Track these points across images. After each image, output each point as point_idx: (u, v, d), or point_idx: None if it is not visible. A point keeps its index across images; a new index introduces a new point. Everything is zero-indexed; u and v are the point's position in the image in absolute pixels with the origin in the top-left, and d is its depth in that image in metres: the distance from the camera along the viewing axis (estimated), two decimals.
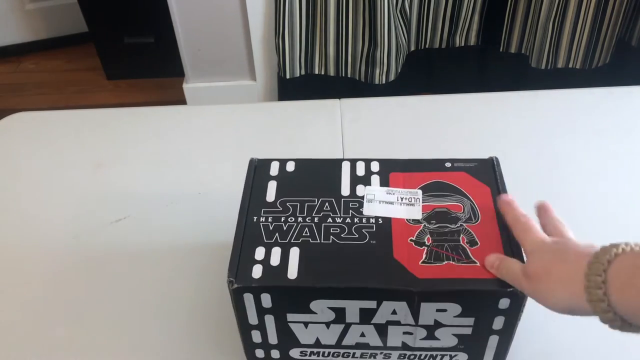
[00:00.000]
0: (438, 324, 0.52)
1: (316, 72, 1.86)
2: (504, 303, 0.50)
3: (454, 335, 0.53)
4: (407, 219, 0.55)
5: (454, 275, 0.50)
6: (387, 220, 0.55)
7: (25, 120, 0.97)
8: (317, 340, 0.55)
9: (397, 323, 0.52)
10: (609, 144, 0.85)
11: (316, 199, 0.58)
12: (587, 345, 0.61)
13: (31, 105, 2.18)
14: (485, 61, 1.91)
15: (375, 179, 0.59)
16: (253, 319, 0.53)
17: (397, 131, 0.89)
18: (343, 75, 1.85)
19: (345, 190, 0.59)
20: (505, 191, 0.57)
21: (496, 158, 0.61)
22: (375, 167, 0.61)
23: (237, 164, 0.84)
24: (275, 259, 0.52)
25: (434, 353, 0.56)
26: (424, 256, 0.52)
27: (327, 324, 0.53)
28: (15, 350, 0.63)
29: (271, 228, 0.55)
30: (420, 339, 0.54)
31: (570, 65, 1.81)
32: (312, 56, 1.82)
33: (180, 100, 2.04)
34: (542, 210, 0.53)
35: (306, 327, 0.54)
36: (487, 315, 0.51)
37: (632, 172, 0.80)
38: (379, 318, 0.52)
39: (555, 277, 0.44)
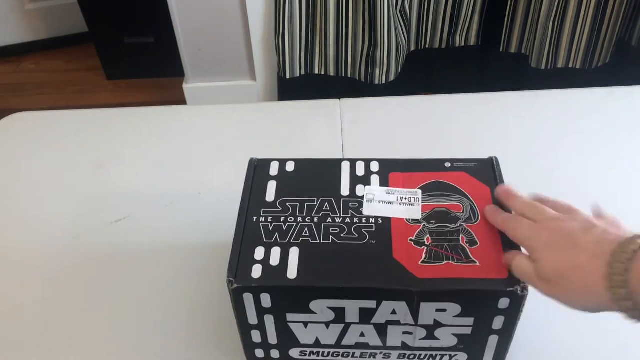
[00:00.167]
0: (438, 324, 0.52)
1: (316, 72, 1.86)
2: (503, 303, 0.50)
3: (454, 335, 0.53)
4: (406, 219, 0.55)
5: (453, 275, 0.50)
6: (387, 220, 0.55)
7: (25, 120, 0.97)
8: (317, 340, 0.55)
9: (397, 323, 0.52)
10: (609, 144, 0.85)
11: (316, 199, 0.58)
12: (588, 345, 0.61)
13: (31, 105, 2.18)
14: (485, 61, 1.91)
15: (375, 179, 0.59)
16: (253, 318, 0.53)
17: (397, 131, 0.89)
18: (343, 75, 1.85)
19: (344, 190, 0.59)
20: None
21: (496, 158, 0.61)
22: (375, 167, 0.61)
23: (237, 164, 0.84)
24: (274, 259, 0.52)
25: (434, 353, 0.56)
26: (423, 256, 0.52)
27: (327, 324, 0.53)
28: (15, 350, 0.63)
29: (271, 228, 0.55)
30: (420, 339, 0.54)
31: (570, 65, 1.81)
32: (312, 56, 1.82)
33: (180, 100, 2.04)
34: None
35: (306, 327, 0.54)
36: (486, 315, 0.51)
37: (633, 172, 0.80)
38: (378, 318, 0.52)
39: (573, 281, 0.44)
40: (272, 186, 0.60)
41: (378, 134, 0.89)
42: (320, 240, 0.54)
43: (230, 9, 1.80)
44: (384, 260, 0.52)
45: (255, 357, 0.58)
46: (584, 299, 0.44)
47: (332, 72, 1.85)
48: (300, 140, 0.88)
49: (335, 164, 0.62)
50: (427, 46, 1.89)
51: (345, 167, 0.61)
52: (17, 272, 0.71)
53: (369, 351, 0.56)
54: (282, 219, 0.56)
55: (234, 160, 0.85)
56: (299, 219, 0.56)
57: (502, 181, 0.59)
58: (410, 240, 0.53)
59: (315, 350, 0.57)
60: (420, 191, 0.58)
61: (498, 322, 0.52)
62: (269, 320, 0.53)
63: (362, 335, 0.54)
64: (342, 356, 0.57)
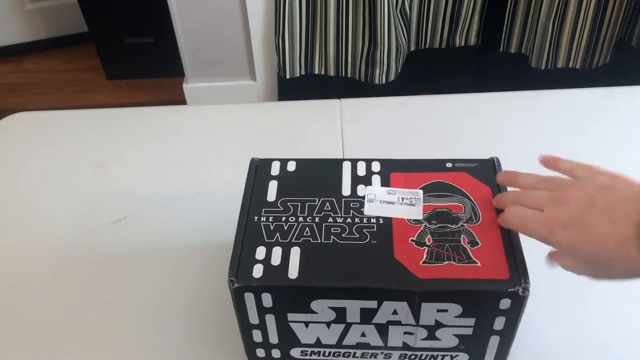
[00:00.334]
0: (439, 324, 0.52)
1: (316, 72, 1.86)
2: (504, 303, 0.50)
3: (455, 335, 0.53)
4: (407, 219, 0.55)
5: (454, 275, 0.50)
6: (388, 220, 0.55)
7: (25, 120, 0.97)
8: (318, 339, 0.55)
9: (398, 323, 0.52)
10: (609, 144, 0.85)
11: (317, 199, 0.58)
12: (588, 346, 0.61)
13: (31, 105, 2.18)
14: (485, 61, 1.91)
15: (376, 179, 0.59)
16: (254, 318, 0.53)
17: (397, 131, 0.89)
18: (343, 75, 1.86)
19: (346, 190, 0.59)
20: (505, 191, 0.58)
21: (497, 158, 0.61)
22: (376, 167, 0.61)
23: (237, 164, 0.84)
24: (276, 259, 0.52)
25: (435, 353, 0.56)
26: (424, 256, 0.52)
27: (328, 324, 0.53)
28: (15, 350, 0.63)
29: (272, 228, 0.55)
30: (421, 339, 0.54)
31: (570, 65, 1.81)
32: (312, 56, 1.82)
33: (180, 100, 2.04)
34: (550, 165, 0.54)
35: (307, 326, 0.54)
36: (487, 315, 0.51)
37: (633, 172, 0.80)
38: (379, 318, 0.52)
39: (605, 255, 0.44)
40: (273, 186, 0.60)
41: (378, 134, 0.89)
42: (321, 240, 0.54)
43: (230, 9, 1.80)
44: (385, 260, 0.52)
45: (256, 357, 0.58)
46: (625, 274, 0.44)
47: (332, 72, 1.85)
48: (300, 140, 0.88)
49: (337, 163, 0.62)
50: (427, 46, 1.89)
51: (347, 167, 0.61)
52: (17, 271, 0.71)
53: (370, 351, 0.56)
54: (283, 218, 0.56)
55: (234, 160, 0.85)
56: (300, 218, 0.56)
57: None
58: (412, 240, 0.53)
59: (316, 350, 0.57)
60: (421, 191, 0.58)
61: (499, 323, 0.52)
62: (270, 319, 0.53)
63: (363, 335, 0.54)
64: (343, 356, 0.57)
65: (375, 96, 1.63)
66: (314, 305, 0.51)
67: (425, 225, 0.55)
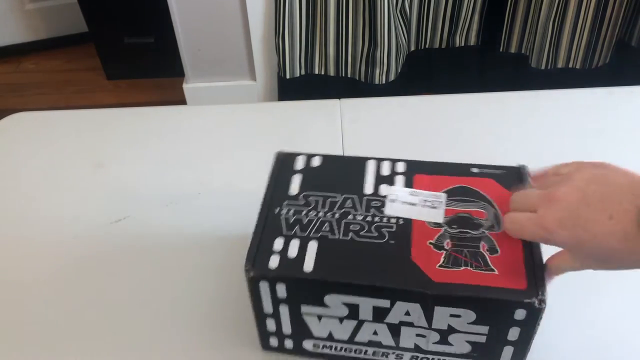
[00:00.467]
0: (452, 329, 0.52)
1: (316, 72, 1.86)
2: (520, 314, 0.49)
3: (468, 342, 0.53)
4: (428, 222, 0.55)
5: (470, 281, 0.50)
6: (408, 222, 0.55)
7: (25, 120, 0.97)
8: (330, 334, 0.55)
9: (411, 325, 0.52)
10: (609, 144, 0.85)
11: (339, 195, 0.58)
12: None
13: (31, 105, 2.18)
14: (485, 61, 1.91)
15: (399, 180, 0.59)
16: (268, 307, 0.54)
17: (397, 131, 0.89)
18: (343, 75, 1.86)
19: (368, 188, 0.59)
20: None
21: (524, 166, 0.60)
22: (401, 167, 0.61)
23: (237, 164, 0.84)
24: (293, 251, 0.52)
25: (447, 358, 0.55)
26: (441, 260, 0.51)
27: (341, 319, 0.53)
28: (15, 350, 0.63)
29: (292, 221, 0.56)
30: (433, 343, 0.54)
31: (570, 65, 1.81)
32: (312, 56, 1.82)
33: (180, 100, 2.05)
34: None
35: (319, 320, 0.54)
36: (502, 324, 0.51)
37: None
38: (392, 318, 0.52)
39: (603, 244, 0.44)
40: (296, 180, 0.60)
41: (378, 134, 0.89)
42: (339, 236, 0.54)
43: (230, 9, 1.80)
44: (401, 261, 0.51)
45: (269, 346, 0.59)
46: (628, 266, 0.44)
47: (332, 72, 1.86)
48: (300, 140, 0.88)
49: (361, 162, 0.62)
50: (427, 46, 1.89)
51: (371, 165, 0.61)
52: (17, 271, 0.71)
53: (382, 350, 0.56)
54: (304, 212, 0.56)
55: (234, 160, 0.85)
56: (321, 213, 0.56)
57: None
58: (430, 243, 0.53)
59: (328, 344, 0.57)
60: (444, 195, 0.57)
61: (514, 333, 0.51)
62: (284, 310, 0.54)
63: (375, 333, 0.54)
64: (355, 352, 0.57)
65: (375, 96, 1.63)
66: (327, 299, 0.51)
67: (446, 229, 0.54)
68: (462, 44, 1.87)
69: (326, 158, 0.62)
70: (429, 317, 0.51)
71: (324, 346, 0.57)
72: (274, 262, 0.52)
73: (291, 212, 0.56)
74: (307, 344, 0.57)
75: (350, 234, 0.54)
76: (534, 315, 0.49)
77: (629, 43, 1.81)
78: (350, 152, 0.84)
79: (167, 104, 2.05)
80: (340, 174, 0.60)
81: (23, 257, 0.73)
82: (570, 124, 0.89)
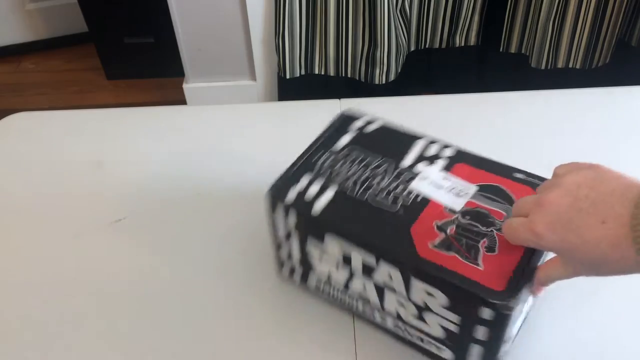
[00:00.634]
0: (427, 308, 0.53)
1: (316, 72, 1.86)
2: (487, 313, 0.49)
3: (441, 327, 0.54)
4: (445, 206, 0.56)
5: (451, 267, 0.50)
6: (426, 201, 0.56)
7: (25, 120, 0.97)
8: (329, 275, 0.60)
9: (393, 290, 0.54)
10: (608, 144, 0.85)
11: (377, 160, 0.61)
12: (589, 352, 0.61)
13: (31, 105, 2.18)
14: (485, 61, 1.91)
15: (440, 163, 0.60)
16: (282, 232, 0.60)
17: None
18: (343, 75, 1.86)
19: (408, 161, 0.61)
20: None
21: None
22: (447, 152, 0.62)
23: (237, 164, 0.84)
24: (312, 191, 0.58)
25: (422, 336, 0.57)
26: (437, 241, 0.53)
27: (337, 265, 0.58)
28: (15, 350, 0.63)
29: (324, 167, 0.60)
30: (411, 316, 0.55)
31: (570, 65, 1.81)
32: (312, 56, 1.82)
33: (180, 100, 2.05)
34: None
35: (320, 259, 0.59)
36: (470, 319, 0.51)
37: (633, 172, 0.80)
38: (377, 277, 0.55)
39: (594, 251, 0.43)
40: (347, 137, 0.64)
41: None
42: (356, 194, 0.58)
43: (230, 9, 1.81)
44: (399, 229, 0.54)
45: (282, 273, 0.65)
46: (618, 272, 0.43)
47: (332, 72, 1.86)
48: (300, 140, 0.88)
49: (414, 137, 0.64)
50: (427, 46, 1.89)
51: (421, 143, 0.63)
52: (17, 272, 0.71)
53: (369, 307, 0.59)
54: (339, 164, 0.61)
55: (234, 160, 0.85)
56: (352, 171, 0.60)
57: None
58: (435, 223, 0.54)
59: (327, 287, 0.62)
60: (475, 188, 0.57)
61: (481, 332, 0.51)
62: (294, 238, 0.59)
63: (364, 289, 0.57)
64: (348, 304, 0.61)
65: (375, 96, 1.63)
66: (327, 239, 0.56)
67: (458, 217, 0.55)
68: (462, 44, 1.87)
69: (384, 126, 0.66)
70: (407, 287, 0.53)
71: (324, 286, 0.62)
72: (292, 194, 0.58)
73: (328, 161, 0.61)
74: (312, 280, 0.63)
75: (367, 196, 0.57)
76: (500, 319, 0.49)
77: (629, 43, 1.81)
78: None
79: (167, 104, 2.05)
80: (389, 141, 0.64)
81: (23, 257, 0.73)
82: (570, 123, 0.89)
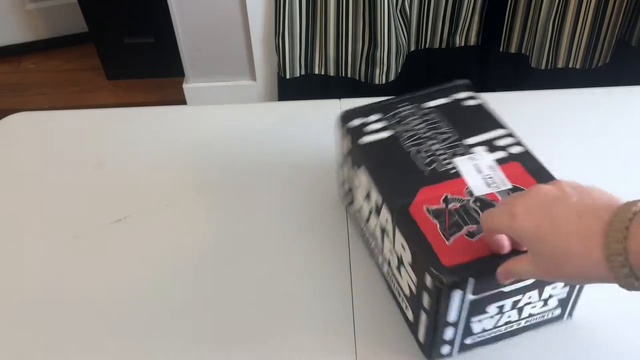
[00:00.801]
0: (401, 261, 0.56)
1: (316, 72, 1.86)
2: (428, 281, 0.51)
3: (407, 284, 0.56)
4: (468, 187, 0.57)
5: (424, 230, 0.53)
6: (456, 175, 0.58)
7: (25, 120, 0.97)
8: (361, 206, 0.65)
9: (387, 235, 0.58)
10: (608, 144, 0.85)
11: (449, 128, 0.64)
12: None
13: (31, 105, 2.18)
14: (485, 61, 1.91)
15: (499, 154, 0.61)
16: (341, 153, 0.68)
17: None
18: (343, 75, 1.86)
19: (472, 140, 0.62)
20: None
21: None
22: (514, 149, 0.62)
23: (237, 164, 0.84)
24: (373, 127, 0.65)
25: (398, 291, 0.59)
26: (432, 208, 0.55)
27: (364, 198, 0.63)
28: (14, 350, 0.63)
29: (399, 114, 0.66)
30: (394, 267, 0.58)
31: (570, 65, 1.81)
32: (312, 56, 1.82)
33: (180, 100, 2.05)
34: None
35: (357, 188, 0.65)
36: (421, 284, 0.53)
37: (632, 172, 0.80)
38: (381, 219, 0.59)
39: (566, 264, 0.42)
40: (439, 101, 0.68)
41: None
42: (405, 144, 0.62)
43: (230, 9, 1.80)
44: (412, 185, 0.57)
45: (340, 195, 0.72)
46: (583, 280, 0.44)
47: (332, 72, 1.86)
48: (300, 140, 0.88)
49: (497, 125, 0.65)
50: (427, 46, 1.89)
51: (498, 132, 0.64)
52: (17, 271, 0.71)
53: (377, 249, 0.64)
54: (412, 117, 0.66)
55: (234, 160, 0.85)
56: (419, 127, 0.64)
57: None
58: (446, 194, 0.56)
59: (359, 217, 0.67)
60: (509, 186, 0.58)
61: (426, 301, 0.53)
62: (347, 162, 0.66)
63: (374, 227, 0.62)
64: (367, 236, 0.67)
65: (375, 96, 1.63)
66: (360, 170, 0.62)
67: (469, 200, 0.56)
68: (462, 44, 1.87)
69: (481, 105, 0.68)
70: (393, 236, 0.57)
71: (357, 217, 0.68)
72: (357, 122, 0.66)
73: (406, 111, 0.66)
74: (353, 207, 0.69)
75: (412, 150, 0.61)
76: (438, 292, 0.50)
77: (629, 43, 1.81)
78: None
79: (167, 104, 2.05)
80: (473, 119, 0.65)
81: (23, 257, 0.73)
82: (570, 123, 0.89)
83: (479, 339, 0.57)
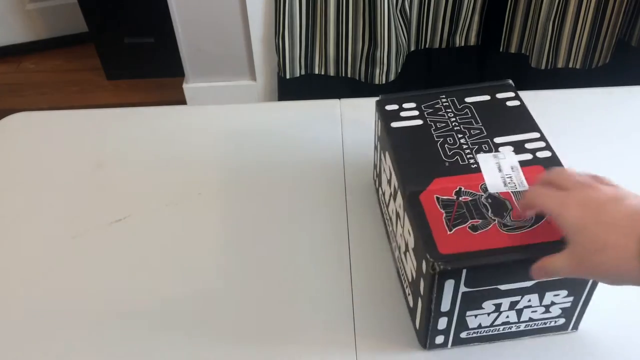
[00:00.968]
0: (407, 247, 0.57)
1: (316, 72, 1.86)
2: (425, 267, 0.51)
3: (411, 270, 0.57)
4: (484, 183, 0.57)
5: (429, 218, 0.54)
6: (475, 170, 0.59)
7: (25, 120, 0.97)
8: (385, 190, 0.67)
9: (399, 218, 0.60)
10: (608, 144, 0.85)
11: (481, 125, 0.64)
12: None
13: (31, 105, 2.18)
14: (485, 61, 1.91)
15: (526, 156, 0.61)
16: (376, 136, 0.70)
17: None
18: (343, 75, 1.85)
19: (502, 140, 0.63)
20: None
21: None
22: (541, 154, 0.62)
23: (237, 164, 0.84)
24: (407, 114, 0.66)
25: (404, 276, 0.61)
26: (442, 197, 0.56)
27: (387, 181, 0.65)
28: (14, 350, 0.63)
29: (437, 105, 0.67)
30: (402, 252, 0.60)
31: (570, 65, 1.81)
32: (312, 56, 1.82)
33: (180, 100, 2.04)
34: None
35: (383, 171, 0.67)
36: (420, 270, 0.53)
37: (632, 172, 0.80)
38: (397, 203, 0.61)
39: (603, 260, 0.44)
40: (478, 98, 0.68)
41: None
42: (434, 134, 0.64)
43: (230, 9, 1.80)
44: (428, 174, 0.59)
45: (373, 179, 0.73)
46: (615, 275, 0.44)
47: (332, 72, 1.85)
48: (300, 140, 0.88)
49: (532, 128, 0.65)
50: (427, 46, 1.89)
51: (530, 135, 0.64)
52: (16, 272, 0.71)
53: (393, 233, 0.65)
54: (448, 110, 0.67)
55: (234, 160, 0.85)
56: (452, 119, 0.65)
57: None
58: (460, 187, 0.57)
59: (382, 199, 0.70)
60: (526, 188, 0.58)
61: (422, 287, 0.53)
62: (379, 145, 0.69)
63: (392, 212, 0.64)
64: (386, 219, 0.69)
65: (375, 96, 1.63)
66: (386, 154, 0.64)
67: (482, 195, 0.56)
68: (462, 44, 1.87)
69: (520, 107, 0.68)
70: (403, 221, 0.58)
71: (381, 199, 0.70)
72: (392, 107, 0.67)
73: (444, 104, 0.67)
74: (380, 189, 0.70)
75: (440, 141, 0.63)
76: (432, 278, 0.51)
77: (629, 43, 1.81)
78: (351, 152, 0.84)
79: (167, 104, 2.05)
80: (508, 119, 0.66)
81: (23, 256, 0.73)
82: (570, 123, 0.89)
83: (474, 335, 0.57)
